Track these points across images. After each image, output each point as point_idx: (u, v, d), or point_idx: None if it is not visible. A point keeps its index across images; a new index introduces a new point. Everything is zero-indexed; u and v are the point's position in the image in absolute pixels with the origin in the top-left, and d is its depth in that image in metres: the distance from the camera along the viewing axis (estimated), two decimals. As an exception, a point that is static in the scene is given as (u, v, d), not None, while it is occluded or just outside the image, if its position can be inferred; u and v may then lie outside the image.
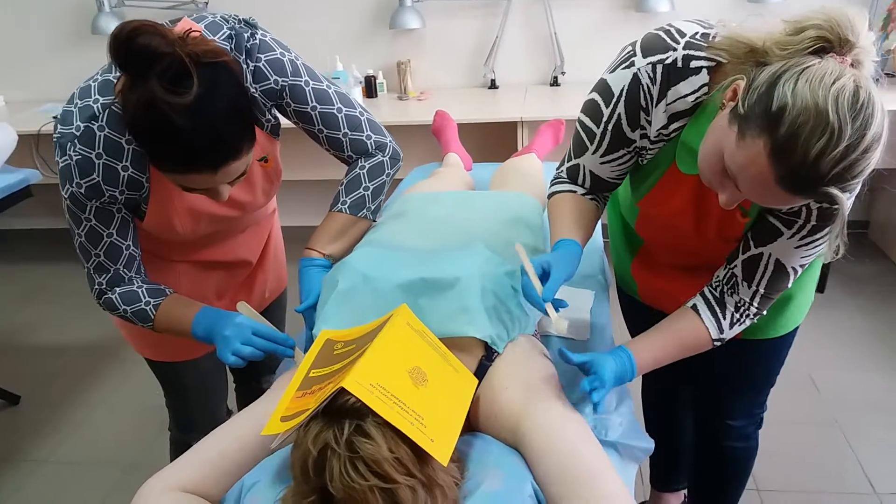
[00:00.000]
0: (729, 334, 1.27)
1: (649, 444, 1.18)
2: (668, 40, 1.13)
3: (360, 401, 0.89)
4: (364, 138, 1.35)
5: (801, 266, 1.22)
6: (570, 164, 1.31)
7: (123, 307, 1.32)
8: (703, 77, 1.11)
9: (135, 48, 1.00)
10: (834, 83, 0.91)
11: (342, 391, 0.90)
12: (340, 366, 1.02)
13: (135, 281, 1.33)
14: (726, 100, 1.04)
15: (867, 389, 2.53)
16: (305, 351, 1.28)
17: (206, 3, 3.55)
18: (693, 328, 1.27)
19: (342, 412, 0.90)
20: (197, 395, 1.66)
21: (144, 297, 1.32)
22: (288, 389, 1.04)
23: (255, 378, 1.89)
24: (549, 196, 1.36)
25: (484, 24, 3.51)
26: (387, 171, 1.37)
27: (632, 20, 3.42)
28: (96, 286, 1.32)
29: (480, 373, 1.12)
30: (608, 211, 1.67)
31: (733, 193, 1.06)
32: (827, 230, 1.17)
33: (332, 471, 0.87)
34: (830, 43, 0.96)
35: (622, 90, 1.15)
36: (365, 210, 1.36)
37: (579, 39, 3.47)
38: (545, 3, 3.36)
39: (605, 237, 1.81)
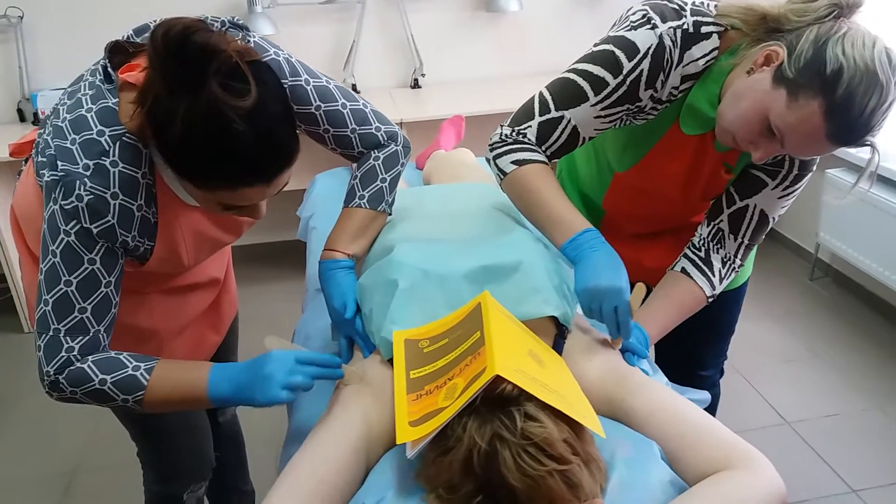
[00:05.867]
0: (719, 289, 1.38)
1: (703, 395, 1.24)
2: (677, 7, 1.18)
3: (516, 387, 0.86)
4: (374, 131, 1.28)
5: (779, 216, 1.35)
6: (545, 118, 1.23)
7: (101, 377, 1.04)
8: (714, 41, 1.17)
9: (192, 47, 0.87)
10: (874, 45, 1.03)
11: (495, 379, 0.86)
12: (446, 361, 0.98)
13: (108, 350, 1.09)
14: (756, 65, 1.12)
15: (749, 335, 2.84)
16: (345, 361, 1.20)
17: (21, 17, 3.15)
18: (689, 291, 1.35)
19: (499, 401, 0.86)
20: (185, 438, 1.46)
21: (131, 363, 1.06)
22: (397, 396, 0.97)
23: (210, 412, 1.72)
24: (516, 163, 1.23)
25: (339, 28, 3.44)
26: (401, 161, 1.30)
27: (482, 20, 3.54)
28: (62, 355, 1.03)
29: (557, 351, 1.12)
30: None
31: (768, 149, 1.14)
32: (805, 179, 1.31)
33: (506, 461, 0.83)
34: (840, 8, 1.08)
35: (649, 48, 1.16)
36: (384, 203, 1.27)
37: (435, 41, 3.52)
38: (399, 6, 3.38)
39: None
